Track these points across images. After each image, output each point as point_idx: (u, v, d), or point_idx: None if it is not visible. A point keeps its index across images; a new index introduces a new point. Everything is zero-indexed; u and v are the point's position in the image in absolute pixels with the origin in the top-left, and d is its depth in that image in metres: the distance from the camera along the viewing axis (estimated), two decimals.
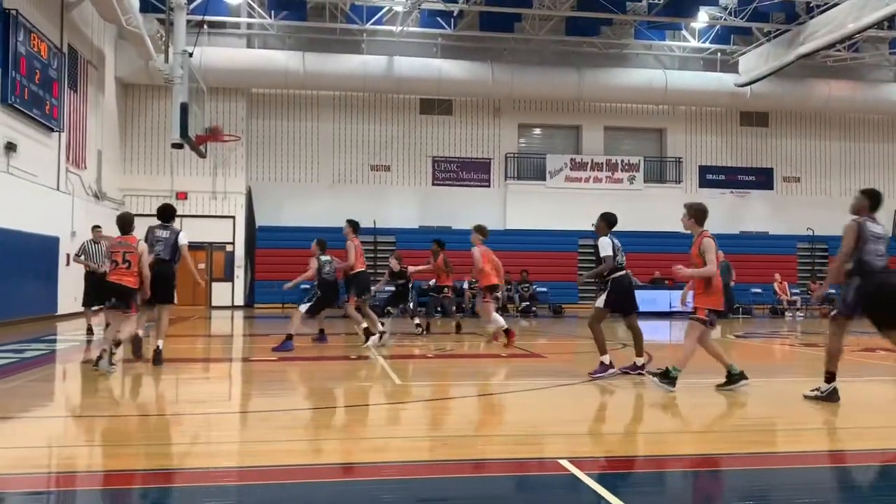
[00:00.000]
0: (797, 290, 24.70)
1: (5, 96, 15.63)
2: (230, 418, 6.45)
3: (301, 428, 5.96)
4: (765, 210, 28.74)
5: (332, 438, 5.64)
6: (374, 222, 23.93)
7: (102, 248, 13.47)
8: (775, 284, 23.76)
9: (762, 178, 29.02)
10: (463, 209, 26.35)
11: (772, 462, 4.94)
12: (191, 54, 15.88)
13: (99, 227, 13.87)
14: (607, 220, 8.71)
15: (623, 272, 8.51)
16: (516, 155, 27.51)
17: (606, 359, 8.46)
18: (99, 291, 13.31)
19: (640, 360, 8.50)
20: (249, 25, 25.12)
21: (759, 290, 24.47)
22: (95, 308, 13.54)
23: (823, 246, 28.36)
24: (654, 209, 26.83)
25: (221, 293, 24.80)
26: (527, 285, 22.74)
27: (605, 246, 8.47)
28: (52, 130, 18.18)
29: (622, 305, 8.60)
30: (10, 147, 15.96)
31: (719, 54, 26.87)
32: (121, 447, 5.26)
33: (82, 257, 13.38)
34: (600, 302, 8.55)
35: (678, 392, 7.19)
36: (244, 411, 6.84)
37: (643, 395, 7.54)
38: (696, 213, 7.74)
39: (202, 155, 18.98)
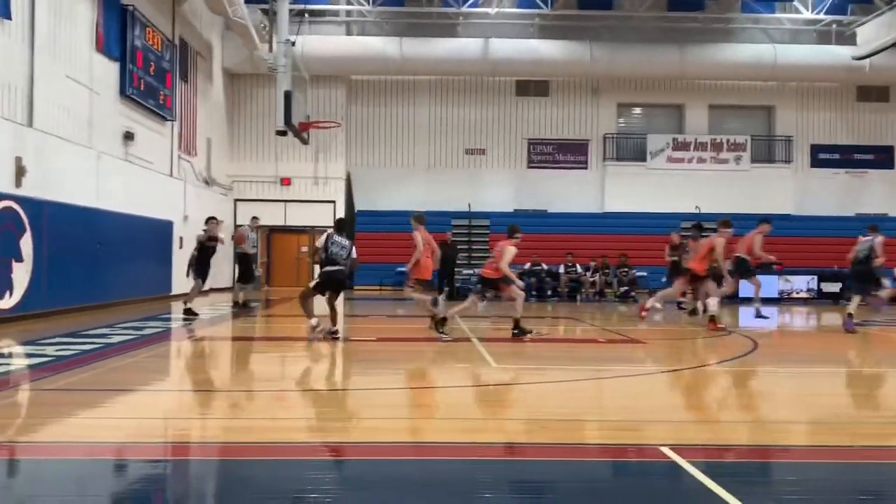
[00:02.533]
0: None
1: (124, 88, 16.57)
2: (329, 395, 6.65)
3: (398, 406, 6.09)
4: (884, 190, 27.01)
5: (429, 417, 5.74)
6: (469, 206, 24.00)
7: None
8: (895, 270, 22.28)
9: (882, 157, 27.24)
10: (559, 192, 26.11)
11: (888, 457, 4.68)
12: (293, 43, 16.27)
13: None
14: (336, 223, 11.05)
15: (336, 267, 10.10)
16: (615, 135, 26.91)
17: (314, 321, 10.00)
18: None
19: (333, 327, 10.14)
20: (348, 13, 25.58)
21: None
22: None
23: None
24: (761, 190, 25.82)
25: None
26: (626, 269, 22.25)
27: (322, 240, 10.24)
28: (165, 120, 19.13)
29: (325, 289, 10.39)
30: (129, 136, 16.94)
31: (834, 26, 25.32)
32: (231, 420, 5.54)
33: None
34: (312, 283, 10.37)
35: (788, 380, 6.89)
36: (344, 389, 7.05)
37: (748, 384, 7.28)
38: (512, 230, 10.22)
39: (305, 141, 19.50)
